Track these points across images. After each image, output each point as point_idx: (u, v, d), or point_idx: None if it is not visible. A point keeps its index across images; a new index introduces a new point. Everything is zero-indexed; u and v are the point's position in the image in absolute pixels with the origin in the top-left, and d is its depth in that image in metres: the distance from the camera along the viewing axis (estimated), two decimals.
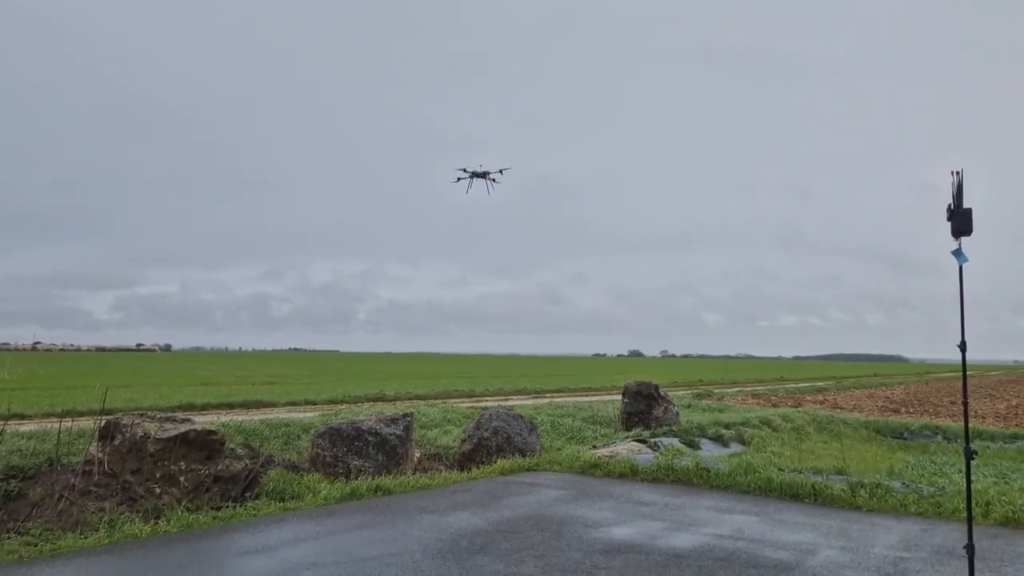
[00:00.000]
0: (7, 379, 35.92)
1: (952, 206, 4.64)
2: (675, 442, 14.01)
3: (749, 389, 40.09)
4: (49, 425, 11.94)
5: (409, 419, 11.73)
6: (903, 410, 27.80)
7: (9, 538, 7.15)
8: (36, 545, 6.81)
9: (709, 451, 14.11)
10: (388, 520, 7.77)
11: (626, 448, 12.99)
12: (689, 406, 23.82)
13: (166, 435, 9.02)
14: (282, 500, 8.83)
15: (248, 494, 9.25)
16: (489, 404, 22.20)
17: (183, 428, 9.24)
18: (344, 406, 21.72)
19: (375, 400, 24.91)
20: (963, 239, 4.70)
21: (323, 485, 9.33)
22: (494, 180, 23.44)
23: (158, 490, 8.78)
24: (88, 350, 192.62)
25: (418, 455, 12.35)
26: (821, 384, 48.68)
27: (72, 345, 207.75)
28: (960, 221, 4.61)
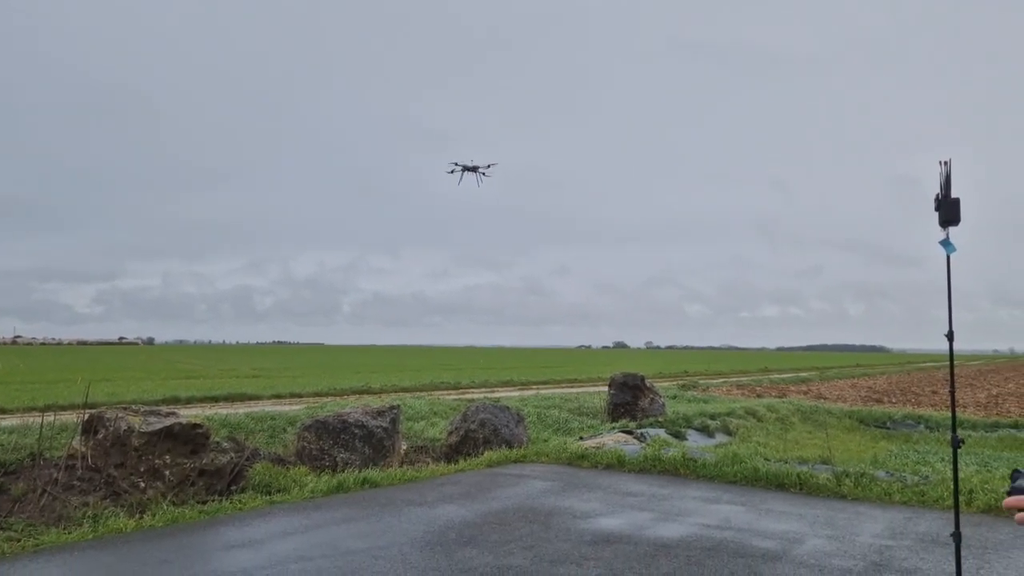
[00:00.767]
0: None
1: (940, 196, 4.65)
2: (661, 433, 14.07)
3: (734, 380, 40.32)
4: (31, 419, 11.79)
5: (395, 411, 11.68)
6: (886, 400, 28.09)
7: None
8: (19, 541, 6.70)
9: (695, 442, 14.19)
10: (375, 513, 7.74)
11: (613, 439, 13.02)
12: (675, 397, 23.91)
13: (150, 429, 8.92)
14: (268, 493, 8.76)
15: (234, 488, 9.19)
16: (475, 396, 22.18)
17: (168, 422, 9.14)
18: (330, 399, 21.59)
19: (361, 393, 24.80)
20: (950, 229, 4.71)
21: (309, 478, 9.28)
22: (484, 174, 23.58)
23: (143, 484, 8.69)
24: (70, 344, 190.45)
25: (405, 447, 12.32)
26: (805, 374, 49.08)
27: (53, 339, 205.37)
28: (948, 211, 4.61)
